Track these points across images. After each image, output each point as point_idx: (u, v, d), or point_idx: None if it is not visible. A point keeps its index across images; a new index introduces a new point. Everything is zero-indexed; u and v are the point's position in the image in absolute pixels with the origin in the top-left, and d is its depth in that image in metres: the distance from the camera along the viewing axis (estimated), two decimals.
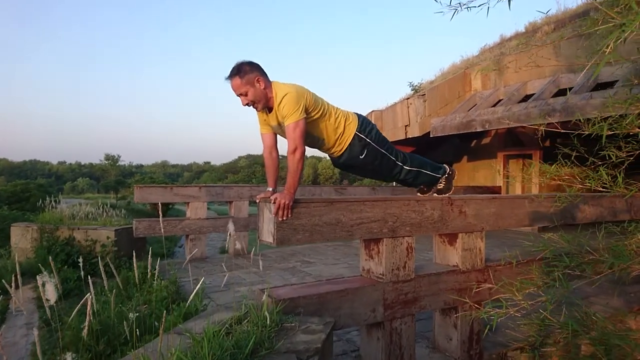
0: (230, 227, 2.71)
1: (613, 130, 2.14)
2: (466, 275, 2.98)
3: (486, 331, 2.41)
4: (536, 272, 2.57)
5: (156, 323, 3.29)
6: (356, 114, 2.73)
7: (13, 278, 2.27)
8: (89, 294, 2.25)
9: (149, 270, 3.80)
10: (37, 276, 1.81)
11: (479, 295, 2.95)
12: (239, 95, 2.40)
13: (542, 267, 2.62)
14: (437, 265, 3.11)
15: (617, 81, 6.44)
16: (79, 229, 6.94)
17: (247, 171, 57.21)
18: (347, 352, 3.14)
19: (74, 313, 2.32)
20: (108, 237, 6.72)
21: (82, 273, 2.88)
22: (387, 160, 2.74)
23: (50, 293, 1.75)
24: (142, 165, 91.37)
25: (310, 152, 2.57)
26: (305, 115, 2.37)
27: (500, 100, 8.69)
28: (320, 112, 2.50)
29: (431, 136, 8.96)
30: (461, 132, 8.31)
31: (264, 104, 2.43)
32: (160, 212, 3.73)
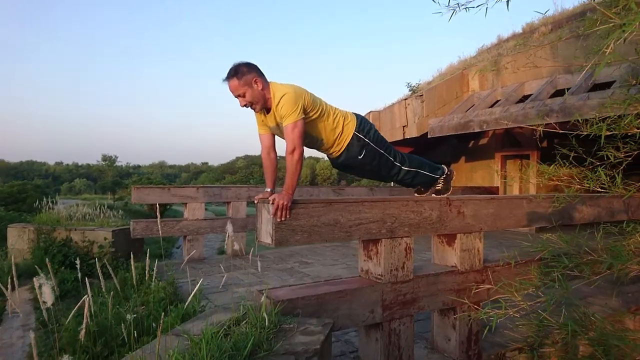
0: (229, 228, 2.70)
1: (611, 131, 2.14)
2: (464, 276, 2.98)
3: (485, 332, 2.41)
4: (535, 273, 2.57)
5: (154, 324, 3.28)
6: (355, 114, 2.72)
7: (9, 280, 2.26)
8: (86, 296, 2.23)
9: (146, 272, 3.79)
10: (34, 278, 1.80)
11: (478, 296, 2.95)
12: (237, 96, 2.39)
13: (540, 268, 2.63)
14: (435, 266, 3.11)
15: (614, 82, 6.46)
16: (76, 229, 6.91)
17: (244, 172, 57.17)
18: (346, 353, 3.13)
19: (71, 315, 2.31)
20: (105, 238, 6.69)
21: (79, 274, 2.86)
22: (386, 161, 2.74)
23: (47, 295, 1.74)
24: (139, 166, 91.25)
25: (308, 152, 2.56)
26: (303, 116, 2.36)
27: (497, 101, 8.71)
28: (319, 112, 2.50)
29: (429, 137, 8.97)
30: (459, 132, 8.32)
31: (262, 105, 2.43)
32: (158, 214, 3.71)
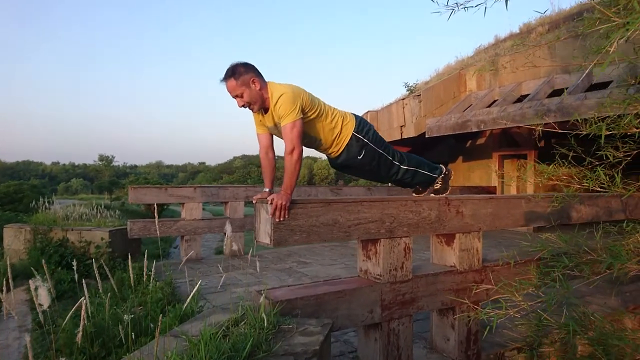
0: (228, 228, 2.69)
1: (610, 131, 2.14)
2: (463, 276, 2.97)
3: (486, 332, 2.40)
4: (534, 273, 2.56)
5: (151, 325, 3.26)
6: (353, 114, 2.71)
7: (4, 282, 2.24)
8: (83, 297, 2.21)
9: (144, 272, 3.77)
10: (30, 280, 1.78)
11: (477, 296, 2.95)
12: (235, 97, 2.37)
13: (540, 268, 2.62)
14: (434, 266, 3.11)
15: (611, 82, 6.48)
16: (72, 230, 6.88)
17: (242, 171, 57.06)
18: (345, 353, 3.12)
19: (67, 317, 2.29)
20: (102, 238, 6.66)
21: (76, 276, 2.84)
22: (385, 160, 2.73)
23: (43, 297, 1.72)
24: (136, 166, 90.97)
25: (306, 152, 2.55)
26: (302, 116, 2.35)
27: (495, 101, 8.72)
28: (317, 112, 2.48)
29: (426, 136, 8.97)
30: (456, 132, 8.32)
31: (260, 105, 2.41)
32: (156, 214, 3.69)
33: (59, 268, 6.13)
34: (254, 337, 1.80)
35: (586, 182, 2.26)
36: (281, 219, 2.19)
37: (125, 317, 2.90)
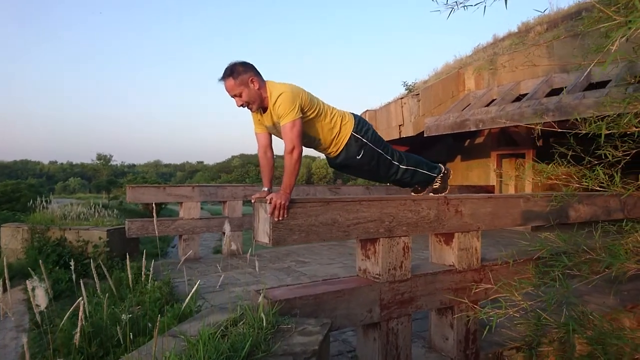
0: (227, 228, 2.68)
1: (610, 130, 2.13)
2: (462, 275, 2.97)
3: (485, 332, 2.40)
4: (533, 272, 2.56)
5: (149, 324, 3.25)
6: (352, 114, 2.70)
7: (1, 282, 2.22)
8: (80, 298, 2.20)
9: (142, 271, 3.76)
10: (27, 281, 1.76)
11: (476, 295, 2.94)
12: (233, 96, 2.36)
13: (539, 267, 2.62)
14: (433, 265, 3.10)
15: (609, 81, 6.48)
16: (70, 229, 6.86)
17: (240, 171, 56.99)
18: (343, 353, 3.12)
19: (65, 317, 2.27)
20: (100, 238, 6.64)
21: (73, 276, 2.82)
22: (384, 160, 2.73)
23: (41, 298, 1.71)
24: (134, 165, 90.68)
25: (304, 151, 2.54)
26: (301, 115, 2.34)
27: (493, 100, 8.72)
28: (316, 111, 2.47)
29: (425, 136, 8.97)
30: (455, 131, 8.32)
31: (259, 105, 2.40)
32: (154, 213, 3.68)
33: (57, 267, 6.11)
34: (253, 337, 1.79)
35: (585, 182, 2.25)
36: (280, 219, 2.18)
37: (123, 316, 2.88)
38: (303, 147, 2.50)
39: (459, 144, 11.39)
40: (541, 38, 8.75)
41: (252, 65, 2.38)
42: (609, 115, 2.15)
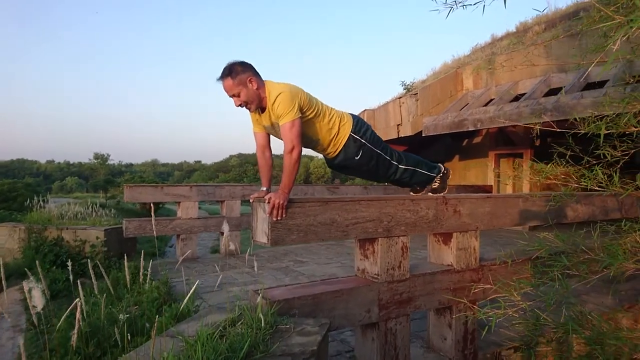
0: (225, 227, 2.67)
1: (609, 130, 2.13)
2: (461, 275, 2.97)
3: (484, 332, 2.39)
4: (532, 272, 2.56)
5: (147, 324, 3.24)
6: (351, 114, 2.69)
7: None
8: (78, 299, 2.18)
9: (140, 271, 3.74)
10: (24, 282, 1.75)
11: (474, 295, 2.94)
12: (232, 96, 2.35)
13: (537, 267, 2.62)
14: (431, 265, 3.10)
15: (607, 81, 6.50)
16: (67, 229, 6.83)
17: (238, 170, 56.95)
18: (342, 353, 3.11)
19: (62, 318, 2.26)
20: (97, 237, 6.62)
21: (70, 276, 2.81)
22: (383, 161, 2.72)
23: (37, 299, 1.69)
24: (131, 164, 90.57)
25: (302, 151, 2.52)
26: (300, 115, 2.33)
27: (491, 100, 8.73)
28: (315, 112, 2.46)
29: (423, 135, 8.97)
30: (453, 131, 8.33)
31: (257, 105, 2.39)
32: (152, 213, 3.66)
33: (54, 267, 6.09)
34: (251, 337, 1.78)
35: (584, 181, 2.25)
36: (278, 218, 2.17)
37: (121, 316, 2.87)
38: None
39: (456, 144, 11.40)
40: (539, 38, 8.76)
41: (250, 65, 2.37)
42: (607, 115, 2.15)
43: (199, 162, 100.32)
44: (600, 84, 6.60)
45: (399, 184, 3.00)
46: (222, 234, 6.91)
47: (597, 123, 2.14)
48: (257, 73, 2.37)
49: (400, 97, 10.01)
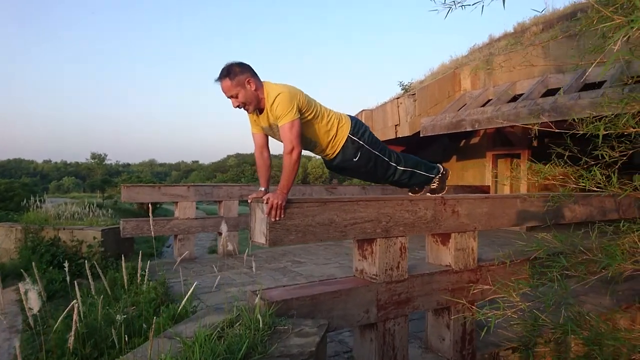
0: (224, 228, 2.66)
1: (607, 130, 2.13)
2: (459, 275, 2.97)
3: (483, 333, 2.39)
4: (530, 272, 2.56)
5: (145, 325, 3.22)
6: (349, 116, 2.69)
7: None
8: (75, 300, 2.17)
9: (138, 272, 3.72)
10: (20, 284, 1.74)
11: (472, 295, 2.94)
12: (230, 97, 2.33)
13: (536, 267, 2.62)
14: (430, 265, 3.10)
15: (604, 82, 6.51)
16: (64, 229, 6.80)
17: (236, 170, 56.85)
18: (340, 354, 3.11)
19: (59, 320, 2.24)
20: (94, 238, 6.59)
21: (67, 278, 2.79)
22: (381, 162, 2.71)
23: (33, 301, 1.68)
24: (129, 164, 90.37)
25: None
26: (299, 115, 2.32)
27: (489, 100, 8.74)
28: (313, 113, 2.45)
29: (421, 136, 8.98)
30: (451, 131, 8.33)
31: (255, 106, 2.38)
32: (150, 213, 3.65)
33: (51, 267, 6.06)
34: (250, 338, 1.78)
35: (583, 182, 2.25)
36: (277, 219, 2.16)
37: (118, 317, 2.85)
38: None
39: (454, 144, 11.41)
40: (537, 38, 8.77)
41: (248, 66, 2.35)
42: (606, 116, 2.15)
43: (197, 162, 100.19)
44: (598, 85, 6.61)
45: (397, 185, 3.00)
46: (220, 234, 6.89)
47: (596, 124, 2.14)
48: (256, 74, 2.36)
49: (398, 98, 10.02)
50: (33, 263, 2.76)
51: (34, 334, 3.48)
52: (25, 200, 9.03)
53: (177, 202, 6.71)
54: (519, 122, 6.26)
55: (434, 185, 3.01)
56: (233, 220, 6.92)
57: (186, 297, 2.50)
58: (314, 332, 1.97)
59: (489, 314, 2.13)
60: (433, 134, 8.73)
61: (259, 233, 2.25)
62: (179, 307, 3.17)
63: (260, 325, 1.91)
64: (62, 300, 4.90)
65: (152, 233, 4.40)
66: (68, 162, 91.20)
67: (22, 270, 3.10)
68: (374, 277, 2.63)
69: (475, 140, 10.99)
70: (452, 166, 11.40)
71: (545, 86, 7.79)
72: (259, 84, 2.34)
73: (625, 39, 1.38)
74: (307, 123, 2.45)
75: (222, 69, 2.32)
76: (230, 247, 6.54)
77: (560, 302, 2.42)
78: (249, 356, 1.69)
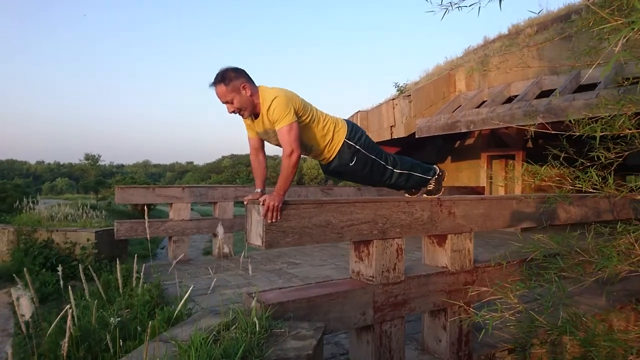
0: (220, 230, 2.64)
1: (603, 132, 2.14)
2: (455, 277, 2.96)
3: (481, 335, 2.39)
4: (526, 274, 2.56)
5: (139, 328, 3.19)
6: (345, 120, 2.68)
7: None
8: (68, 305, 2.14)
9: (133, 273, 3.69)
10: (11, 289, 1.70)
11: (469, 297, 2.94)
12: (225, 102, 2.31)
13: (532, 269, 2.62)
14: (426, 267, 3.09)
15: (598, 83, 6.55)
16: (57, 230, 6.73)
17: (230, 171, 56.70)
18: (336, 356, 3.09)
19: (52, 325, 2.21)
20: (88, 239, 6.53)
21: (61, 282, 2.75)
22: (378, 166, 2.70)
23: (25, 307, 1.64)
24: (123, 165, 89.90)
25: None
26: (296, 118, 2.30)
27: (484, 102, 8.77)
28: (309, 117, 2.44)
29: (416, 137, 8.99)
30: (446, 132, 8.36)
31: (251, 111, 2.36)
32: (146, 216, 3.62)
33: (44, 270, 5.99)
34: (246, 342, 1.76)
35: (579, 183, 2.26)
36: (273, 221, 2.15)
37: (112, 320, 2.83)
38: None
39: (449, 145, 11.45)
40: (531, 40, 8.82)
41: (243, 71, 2.33)
42: (603, 118, 2.15)
43: (191, 163, 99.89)
44: (592, 87, 6.66)
45: (394, 188, 2.99)
46: (215, 235, 6.86)
47: (592, 125, 2.14)
48: (251, 79, 2.34)
49: (393, 99, 10.03)
50: (25, 268, 2.72)
51: (27, 338, 3.44)
52: (17, 202, 8.95)
53: (171, 204, 6.66)
54: (513, 124, 6.28)
55: (431, 187, 3.01)
56: (228, 221, 6.88)
57: (182, 300, 2.48)
58: (311, 334, 1.95)
59: (487, 317, 2.12)
60: (428, 135, 8.75)
61: (255, 235, 2.23)
62: (174, 310, 3.14)
63: (257, 329, 1.89)
64: (55, 303, 4.85)
65: (148, 235, 4.36)
66: (61, 163, 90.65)
67: (14, 273, 3.06)
68: (370, 278, 2.62)
69: (470, 141, 11.03)
70: (447, 167, 11.42)
71: (539, 88, 7.83)
72: (254, 89, 2.32)
73: (625, 40, 1.38)
74: (303, 127, 2.43)
75: (217, 74, 2.29)
76: (226, 250, 6.51)
77: (557, 303, 2.42)
78: None
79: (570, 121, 2.28)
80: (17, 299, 1.68)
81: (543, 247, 2.50)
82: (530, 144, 9.20)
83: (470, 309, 2.95)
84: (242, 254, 2.89)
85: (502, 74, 8.48)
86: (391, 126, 9.77)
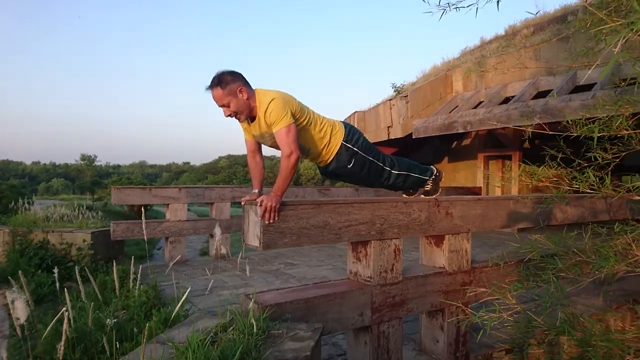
0: (217, 231, 2.63)
1: (601, 132, 2.14)
2: (453, 277, 2.97)
3: (479, 336, 2.39)
4: (524, 274, 2.56)
5: (136, 330, 3.17)
6: (343, 122, 2.67)
7: None
8: (64, 308, 2.12)
9: (130, 274, 3.67)
10: (6, 292, 1.69)
11: (466, 297, 2.94)
12: (221, 106, 2.30)
13: (530, 269, 2.62)
14: (423, 267, 3.09)
15: (594, 84, 6.58)
16: (53, 231, 6.69)
17: (227, 172, 56.54)
18: (334, 357, 3.09)
19: (49, 328, 2.19)
20: (84, 240, 6.50)
21: (57, 284, 2.73)
22: (375, 167, 2.69)
23: (20, 310, 1.63)
24: (119, 166, 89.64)
25: None
26: (294, 120, 2.30)
27: (481, 102, 8.79)
28: (306, 120, 2.43)
29: (413, 137, 9.00)
30: (443, 133, 8.37)
31: (247, 115, 2.35)
32: (143, 217, 3.60)
33: (39, 271, 5.95)
34: (243, 343, 1.75)
35: (576, 184, 2.26)
36: (271, 221, 2.14)
37: (108, 321, 2.81)
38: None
39: (446, 146, 11.46)
40: (528, 41, 8.85)
41: (240, 74, 2.33)
42: (600, 118, 2.16)
43: (188, 163, 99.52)
44: (588, 87, 6.68)
45: (392, 189, 2.99)
46: (212, 236, 6.84)
47: (590, 126, 2.15)
48: (247, 82, 2.33)
49: (390, 99, 10.04)
50: (20, 270, 2.70)
51: (22, 340, 3.41)
52: (13, 203, 8.88)
53: (168, 204, 6.64)
54: (510, 124, 6.30)
55: (428, 187, 3.01)
56: (225, 222, 6.87)
57: (180, 302, 2.46)
58: (309, 336, 1.94)
59: (485, 317, 2.12)
60: (425, 136, 8.76)
61: (253, 236, 2.22)
62: (171, 312, 3.13)
63: (254, 330, 1.88)
64: (51, 305, 4.82)
65: (145, 236, 4.34)
66: (57, 163, 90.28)
67: (9, 275, 3.04)
68: (368, 279, 2.61)
69: (466, 141, 11.05)
70: (443, 167, 11.44)
71: (536, 88, 7.85)
72: (251, 92, 2.31)
73: (624, 41, 1.38)
74: (301, 130, 2.42)
75: (213, 77, 2.28)
76: (223, 251, 6.49)
77: (555, 303, 2.42)
78: None
79: (567, 122, 2.28)
80: (12, 302, 1.66)
81: (540, 247, 2.51)
82: (527, 145, 9.23)
83: (468, 309, 2.95)
84: (240, 254, 2.88)
85: (498, 75, 8.50)
86: (388, 127, 9.77)
